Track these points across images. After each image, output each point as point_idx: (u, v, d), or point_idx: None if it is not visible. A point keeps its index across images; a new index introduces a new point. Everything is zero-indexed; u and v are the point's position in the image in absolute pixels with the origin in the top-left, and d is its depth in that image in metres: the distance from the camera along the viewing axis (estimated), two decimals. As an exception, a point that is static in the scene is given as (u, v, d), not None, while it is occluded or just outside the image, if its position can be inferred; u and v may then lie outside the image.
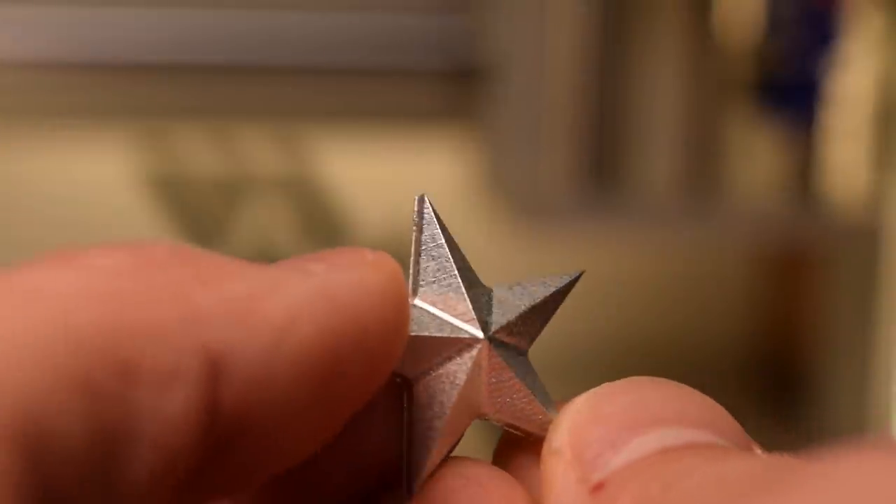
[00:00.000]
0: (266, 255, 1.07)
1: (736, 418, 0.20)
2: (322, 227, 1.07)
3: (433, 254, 0.21)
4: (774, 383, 1.07)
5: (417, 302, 0.21)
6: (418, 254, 0.21)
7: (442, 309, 0.21)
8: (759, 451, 0.19)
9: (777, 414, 1.03)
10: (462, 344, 0.20)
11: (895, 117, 0.90)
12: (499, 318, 0.21)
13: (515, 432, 0.21)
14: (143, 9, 0.95)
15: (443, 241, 0.21)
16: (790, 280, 1.11)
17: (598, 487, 0.18)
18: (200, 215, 1.06)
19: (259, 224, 1.07)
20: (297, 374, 0.17)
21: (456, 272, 0.21)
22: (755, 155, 0.90)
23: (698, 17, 0.88)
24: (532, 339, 0.21)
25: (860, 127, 0.90)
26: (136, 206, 1.05)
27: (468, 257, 0.22)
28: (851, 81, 0.90)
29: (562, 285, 0.21)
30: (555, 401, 0.21)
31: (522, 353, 0.21)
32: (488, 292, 0.21)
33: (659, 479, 0.17)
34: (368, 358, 0.19)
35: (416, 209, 0.21)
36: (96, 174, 1.05)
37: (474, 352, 0.20)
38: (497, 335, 0.21)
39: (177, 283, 0.17)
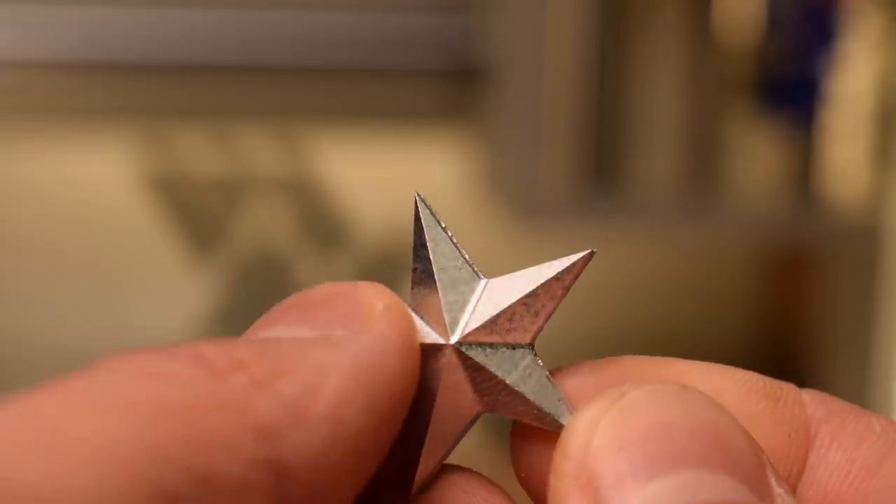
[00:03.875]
0: (266, 255, 1.07)
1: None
2: (322, 227, 1.07)
3: (420, 255, 0.21)
4: (774, 383, 1.07)
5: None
6: (413, 258, 0.21)
7: (422, 314, 0.21)
8: (775, 484, 0.18)
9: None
10: (433, 350, 0.20)
11: (895, 117, 0.90)
12: (476, 319, 0.20)
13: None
14: (143, 9, 0.95)
15: (428, 242, 0.21)
16: (790, 279, 1.11)
17: None
18: (200, 215, 1.06)
19: (259, 224, 1.07)
20: (346, 450, 0.18)
21: (435, 273, 0.21)
22: (755, 155, 0.90)
23: (698, 17, 0.88)
24: (529, 330, 0.21)
25: (860, 127, 0.90)
26: (136, 206, 1.05)
27: (469, 257, 0.22)
28: (851, 81, 0.90)
29: (562, 269, 0.21)
30: (557, 391, 0.21)
31: (516, 346, 0.21)
32: (479, 289, 0.21)
33: None
34: (393, 409, 0.19)
35: (415, 210, 0.21)
36: (96, 174, 1.05)
37: (445, 358, 0.20)
38: (470, 337, 0.20)
39: (237, 391, 0.17)
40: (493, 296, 0.21)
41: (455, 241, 0.21)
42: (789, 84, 0.90)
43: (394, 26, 0.96)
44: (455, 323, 0.20)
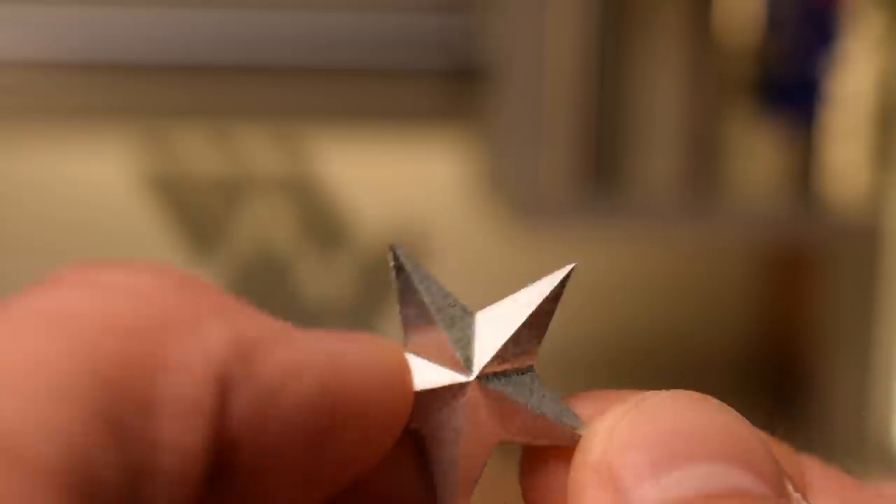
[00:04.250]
0: (266, 255, 1.07)
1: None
2: (322, 227, 1.07)
3: (408, 299, 0.21)
4: (774, 383, 1.07)
5: (407, 354, 0.21)
6: (399, 303, 0.21)
7: (428, 357, 0.21)
8: (792, 490, 0.19)
9: (777, 414, 1.03)
10: (454, 390, 0.20)
11: (895, 117, 0.90)
12: (486, 351, 0.21)
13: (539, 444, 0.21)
14: (142, 9, 0.95)
15: (417, 285, 0.21)
16: (790, 280, 1.11)
17: None
18: (200, 215, 1.06)
19: (259, 224, 1.07)
20: (293, 421, 0.18)
21: (434, 315, 0.21)
22: (755, 155, 0.90)
23: (698, 17, 0.88)
24: (534, 352, 0.21)
25: (860, 127, 0.90)
26: (136, 206, 1.05)
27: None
28: (851, 81, 0.90)
29: (551, 289, 0.21)
30: (569, 408, 0.21)
31: (524, 371, 0.21)
32: (474, 322, 0.21)
33: None
34: (368, 424, 0.19)
35: (391, 259, 0.21)
36: (96, 174, 1.05)
37: (467, 395, 0.20)
38: (487, 370, 0.20)
39: (194, 312, 0.17)
40: (492, 326, 0.21)
41: (432, 282, 0.21)
42: (789, 84, 0.90)
43: (394, 26, 0.96)
44: (469, 359, 0.20)
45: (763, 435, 0.19)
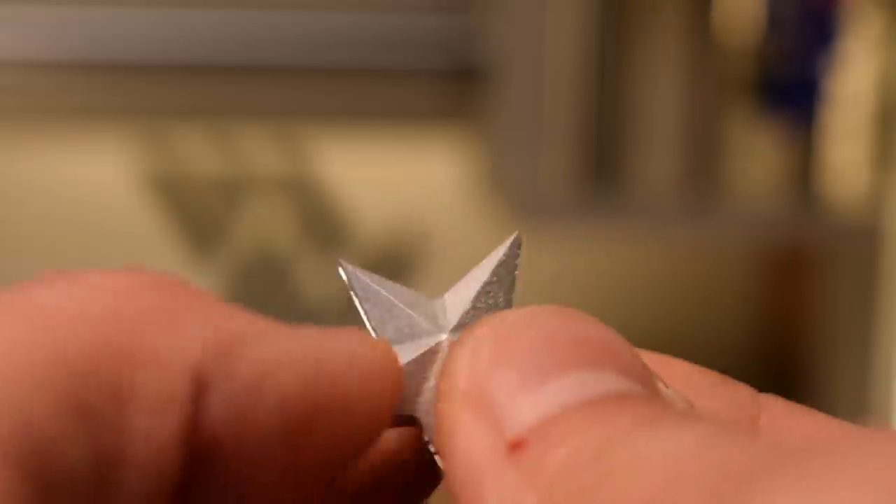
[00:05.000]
0: (266, 255, 1.07)
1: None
2: (322, 227, 1.07)
3: (373, 299, 0.21)
4: (774, 383, 1.07)
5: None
6: (362, 310, 0.21)
7: (404, 339, 0.21)
8: (664, 388, 0.18)
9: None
10: (430, 354, 0.20)
11: (895, 117, 0.90)
12: (456, 309, 0.21)
13: None
14: (142, 9, 0.95)
15: (371, 284, 0.22)
16: (790, 280, 1.11)
17: (518, 446, 0.17)
18: (200, 215, 1.06)
19: (259, 224, 1.07)
20: (273, 416, 0.18)
21: (398, 304, 0.21)
22: (755, 155, 0.90)
23: (698, 17, 0.88)
24: (510, 296, 0.21)
25: (860, 127, 0.90)
26: (136, 206, 1.05)
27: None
28: (851, 81, 0.90)
29: (500, 257, 0.21)
30: None
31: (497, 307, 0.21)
32: (439, 301, 0.21)
33: (588, 445, 0.16)
34: (354, 414, 0.18)
35: (344, 279, 0.22)
36: (96, 174, 1.05)
37: (442, 354, 0.20)
38: (460, 322, 0.20)
39: (172, 310, 0.17)
40: (458, 296, 0.21)
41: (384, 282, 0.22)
42: (789, 84, 0.90)
43: (394, 26, 0.96)
44: (440, 323, 0.21)
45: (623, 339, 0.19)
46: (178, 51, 0.95)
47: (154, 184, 1.05)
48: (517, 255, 0.21)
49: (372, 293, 0.21)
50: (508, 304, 0.21)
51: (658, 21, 0.87)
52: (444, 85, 0.96)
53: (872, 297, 0.94)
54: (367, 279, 0.21)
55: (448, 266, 0.99)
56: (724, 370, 0.22)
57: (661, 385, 0.18)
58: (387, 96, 0.99)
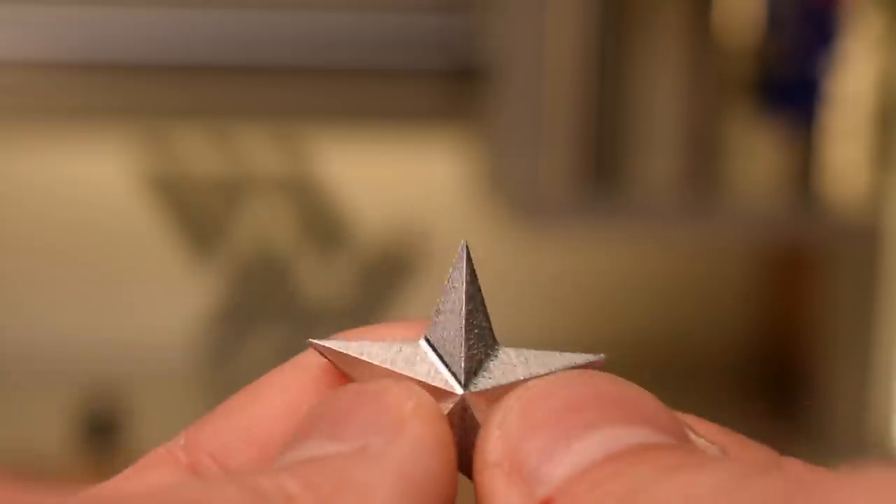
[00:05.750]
0: (266, 255, 1.07)
1: (736, 418, 0.20)
2: (322, 227, 1.07)
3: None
4: (774, 383, 1.07)
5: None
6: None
7: (439, 353, 0.21)
8: (695, 437, 0.19)
9: (777, 414, 1.03)
10: (441, 393, 0.20)
11: (895, 117, 0.90)
12: (486, 380, 0.20)
13: None
14: (142, 9, 0.95)
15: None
16: (790, 280, 1.11)
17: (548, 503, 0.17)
18: (200, 215, 1.06)
19: (259, 224, 1.07)
20: None
21: (390, 367, 0.20)
22: (755, 155, 0.90)
23: (698, 17, 0.88)
24: (489, 329, 0.21)
25: (860, 127, 0.90)
26: (136, 206, 1.05)
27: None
28: (851, 81, 0.90)
29: (464, 276, 0.21)
30: (559, 351, 0.21)
31: (495, 353, 0.21)
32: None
33: (612, 496, 0.17)
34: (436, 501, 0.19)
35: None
36: (96, 174, 1.05)
37: (468, 408, 0.20)
38: (477, 395, 0.20)
39: None
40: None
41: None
42: (789, 84, 0.90)
43: (394, 26, 0.96)
44: (469, 377, 0.20)
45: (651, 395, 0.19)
46: (178, 51, 0.95)
47: (154, 184, 1.05)
48: (470, 263, 0.21)
49: (359, 365, 0.21)
50: (488, 320, 0.21)
51: (658, 21, 0.87)
52: (444, 85, 0.96)
53: (872, 297, 0.94)
54: (349, 348, 0.21)
55: (448, 266, 0.98)
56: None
57: (691, 434, 0.19)
58: (387, 96, 0.99)
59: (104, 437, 0.95)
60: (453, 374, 0.20)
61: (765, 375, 1.09)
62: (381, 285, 1.08)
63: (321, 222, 1.07)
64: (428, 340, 0.21)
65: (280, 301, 1.07)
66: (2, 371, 1.05)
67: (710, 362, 1.07)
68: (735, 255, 1.12)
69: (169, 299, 1.07)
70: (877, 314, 0.94)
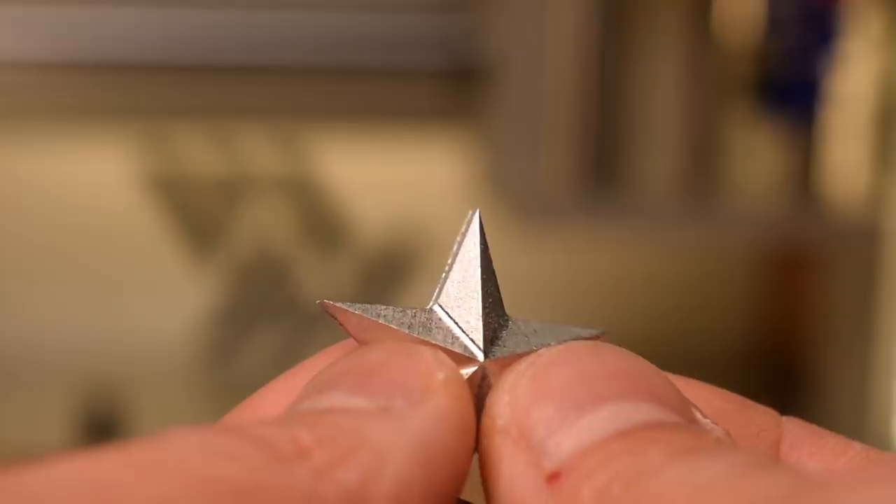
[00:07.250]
0: (266, 255, 1.07)
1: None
2: (322, 226, 1.07)
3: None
4: (774, 383, 1.07)
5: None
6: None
7: (455, 319, 0.21)
8: (700, 416, 0.19)
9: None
10: (460, 359, 0.20)
11: (895, 117, 0.90)
12: (501, 349, 0.21)
13: None
14: (142, 9, 0.95)
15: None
16: (790, 280, 1.11)
17: (555, 477, 0.17)
18: (200, 215, 1.06)
19: (259, 224, 1.07)
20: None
21: (408, 332, 0.20)
22: (755, 155, 0.90)
23: (698, 17, 0.88)
24: (500, 300, 0.21)
25: (860, 127, 0.90)
26: (136, 206, 1.05)
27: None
28: (851, 81, 0.90)
29: (477, 245, 0.21)
30: (566, 326, 0.21)
31: (505, 324, 0.21)
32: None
33: (621, 475, 0.17)
34: (454, 485, 0.19)
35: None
36: (97, 174, 1.05)
37: (469, 370, 0.20)
38: (485, 343, 0.20)
39: (301, 479, 0.17)
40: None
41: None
42: (789, 84, 0.90)
43: (394, 26, 0.96)
44: (488, 344, 0.21)
45: (662, 372, 0.19)
46: (178, 51, 0.95)
47: (154, 183, 1.05)
48: (483, 232, 0.22)
49: (376, 328, 0.21)
50: (499, 290, 0.21)
51: (658, 21, 0.87)
52: (444, 85, 0.96)
53: (872, 297, 0.94)
54: (365, 311, 0.21)
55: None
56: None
57: (697, 414, 0.19)
58: (387, 96, 0.99)
59: (104, 436, 0.95)
60: (473, 340, 0.20)
61: (765, 375, 1.09)
62: (381, 285, 1.08)
63: (321, 222, 1.07)
64: (441, 307, 0.21)
65: (280, 301, 1.07)
66: (2, 370, 1.05)
67: (709, 362, 1.07)
68: (735, 255, 1.12)
69: (169, 299, 1.07)
70: (877, 314, 0.94)
